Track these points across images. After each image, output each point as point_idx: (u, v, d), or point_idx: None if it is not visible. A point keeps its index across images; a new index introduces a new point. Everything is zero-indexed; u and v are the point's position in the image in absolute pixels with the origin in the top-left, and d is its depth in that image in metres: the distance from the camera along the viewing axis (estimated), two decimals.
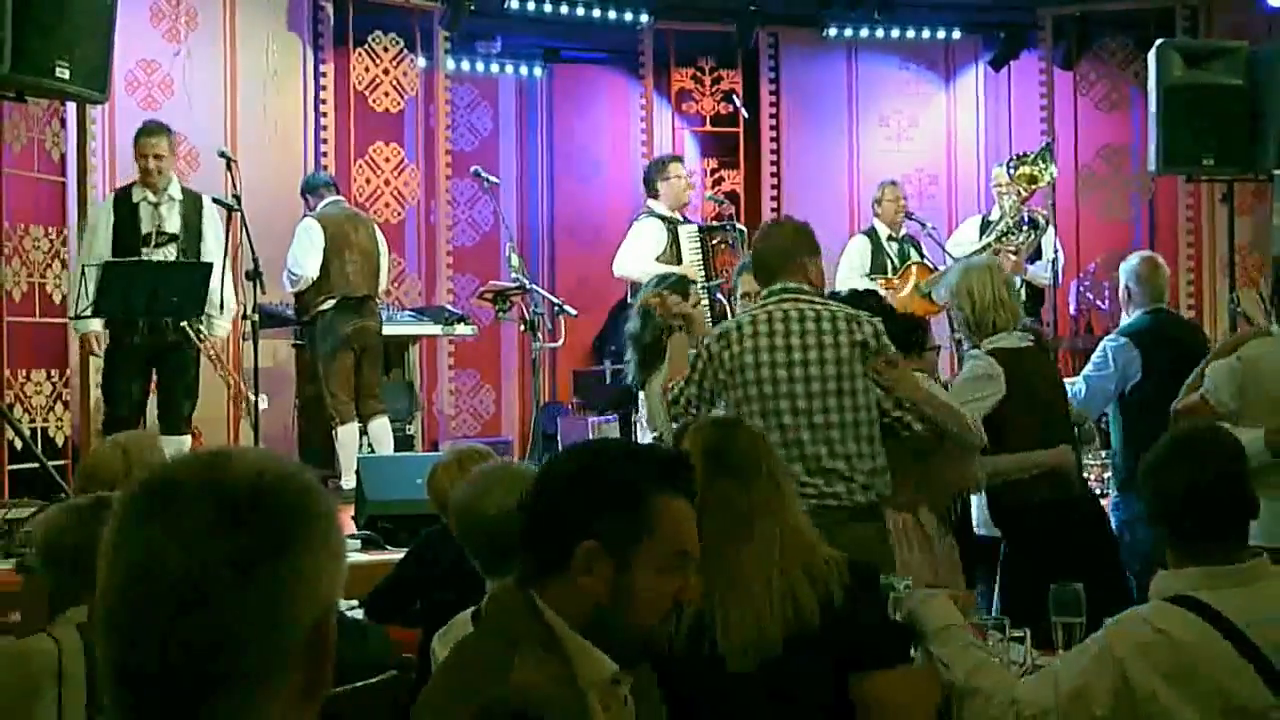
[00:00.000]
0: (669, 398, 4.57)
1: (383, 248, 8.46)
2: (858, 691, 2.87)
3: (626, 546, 2.18)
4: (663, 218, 8.39)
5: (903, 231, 9.09)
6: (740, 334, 4.44)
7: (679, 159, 9.02)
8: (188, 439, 7.38)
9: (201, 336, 7.33)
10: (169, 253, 7.30)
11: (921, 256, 9.08)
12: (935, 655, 3.01)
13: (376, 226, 8.65)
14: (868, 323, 4.47)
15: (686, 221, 8.51)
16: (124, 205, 7.36)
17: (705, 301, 8.14)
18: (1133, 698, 2.77)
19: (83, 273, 6.94)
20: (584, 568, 2.16)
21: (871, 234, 9.04)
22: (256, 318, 7.21)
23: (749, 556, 2.90)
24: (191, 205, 7.42)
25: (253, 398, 7.26)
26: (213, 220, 7.47)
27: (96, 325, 7.25)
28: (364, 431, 8.20)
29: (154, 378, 7.41)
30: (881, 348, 4.44)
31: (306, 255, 8.11)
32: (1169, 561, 2.99)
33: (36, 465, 6.92)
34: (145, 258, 7.23)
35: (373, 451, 8.04)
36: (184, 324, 7.24)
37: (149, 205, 7.33)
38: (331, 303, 8.12)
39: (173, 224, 7.35)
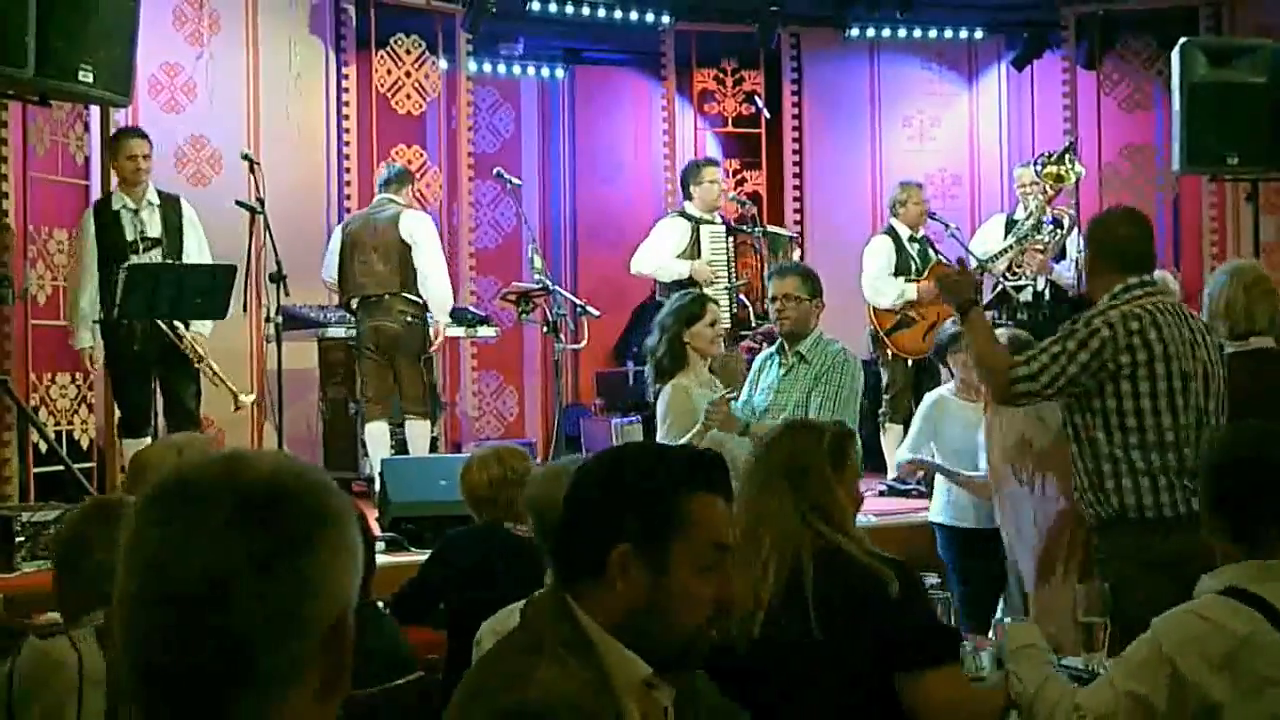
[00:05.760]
0: (1017, 373, 4.23)
1: (417, 243, 8.08)
2: (905, 695, 2.98)
3: (658, 548, 2.16)
4: (690, 217, 8.37)
5: (921, 232, 9.05)
6: (1154, 323, 4.23)
7: (714, 162, 8.89)
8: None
9: (183, 339, 7.24)
10: (154, 257, 7.27)
11: (939, 256, 9.04)
12: (1011, 671, 3.09)
13: (417, 223, 8.22)
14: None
15: (714, 222, 8.48)
16: (105, 214, 7.34)
17: (726, 301, 8.16)
18: (1185, 692, 2.76)
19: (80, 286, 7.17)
20: (619, 572, 2.15)
21: (892, 234, 9.00)
22: (279, 320, 7.21)
23: None
24: (171, 208, 7.43)
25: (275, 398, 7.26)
26: (192, 222, 7.48)
27: (89, 342, 7.27)
28: (399, 429, 8.16)
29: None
30: None
31: (329, 258, 8.20)
32: (1218, 557, 2.97)
33: (61, 468, 6.94)
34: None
35: (402, 452, 8.01)
36: (179, 327, 7.20)
37: (129, 212, 7.32)
38: (354, 303, 8.14)
39: (154, 228, 7.33)
